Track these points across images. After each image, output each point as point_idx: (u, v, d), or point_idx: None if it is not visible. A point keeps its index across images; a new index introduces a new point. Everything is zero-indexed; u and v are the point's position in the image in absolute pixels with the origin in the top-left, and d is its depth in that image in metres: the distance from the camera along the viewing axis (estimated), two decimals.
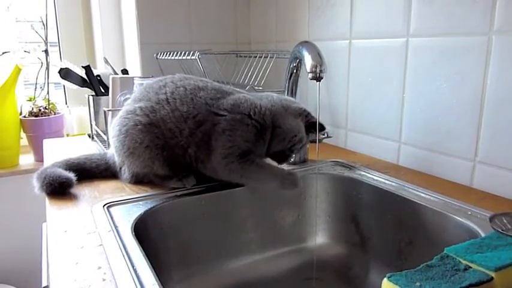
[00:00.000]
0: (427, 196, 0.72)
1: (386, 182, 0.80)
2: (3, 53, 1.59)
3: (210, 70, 1.16)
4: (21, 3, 1.73)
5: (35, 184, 0.76)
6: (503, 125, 0.71)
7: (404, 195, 0.73)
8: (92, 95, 1.30)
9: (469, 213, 0.65)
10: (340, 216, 0.86)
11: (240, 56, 1.34)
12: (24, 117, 1.62)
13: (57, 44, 1.80)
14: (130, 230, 0.61)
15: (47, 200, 0.73)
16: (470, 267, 0.45)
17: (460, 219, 0.64)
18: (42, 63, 1.67)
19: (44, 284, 0.81)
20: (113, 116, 0.93)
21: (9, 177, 1.58)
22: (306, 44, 0.79)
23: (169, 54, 1.21)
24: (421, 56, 0.83)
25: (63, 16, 1.77)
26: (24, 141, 1.66)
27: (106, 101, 1.23)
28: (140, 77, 1.02)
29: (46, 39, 1.65)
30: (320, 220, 0.88)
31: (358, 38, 0.98)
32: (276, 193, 0.84)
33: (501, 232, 0.53)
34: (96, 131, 1.20)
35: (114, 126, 0.80)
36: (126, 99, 0.90)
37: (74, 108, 1.76)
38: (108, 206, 0.69)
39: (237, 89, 0.81)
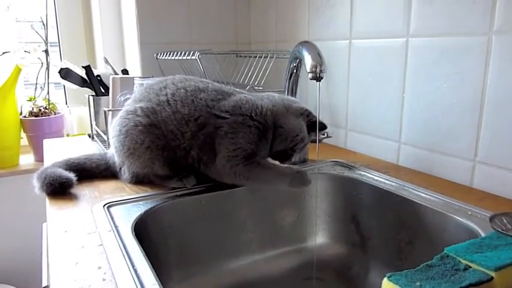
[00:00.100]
0: (427, 196, 0.72)
1: (386, 182, 0.80)
2: (3, 53, 1.59)
3: (210, 70, 1.16)
4: (21, 3, 1.73)
5: (35, 184, 0.76)
6: (503, 125, 0.71)
7: (404, 195, 0.73)
8: (92, 95, 1.30)
9: (469, 213, 0.65)
10: (340, 216, 0.86)
11: (240, 56, 1.34)
12: (25, 117, 1.62)
13: (57, 44, 1.80)
14: (130, 230, 0.61)
15: (47, 200, 0.73)
16: (470, 267, 0.45)
17: (460, 219, 0.64)
18: (42, 63, 1.67)
19: (44, 284, 0.81)
20: (113, 116, 0.93)
21: (9, 177, 1.58)
22: (306, 44, 0.79)
23: (169, 54, 1.21)
24: (421, 56, 0.83)
25: (63, 16, 1.77)
26: (24, 141, 1.66)
27: (106, 101, 1.23)
28: (140, 77, 1.02)
29: (46, 39, 1.65)
30: (320, 220, 0.88)
31: (358, 38, 0.98)
32: (276, 193, 0.84)
33: (501, 232, 0.53)
34: (96, 131, 1.20)
35: (114, 126, 0.80)
36: (126, 99, 0.90)
37: (74, 108, 1.76)
38: (108, 206, 0.69)
39: (238, 90, 0.81)
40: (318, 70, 0.73)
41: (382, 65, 0.92)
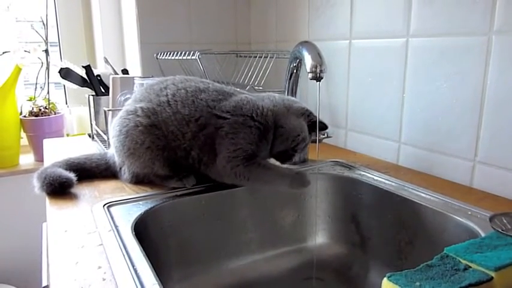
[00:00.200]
0: (427, 196, 0.72)
1: (386, 182, 0.80)
2: (3, 53, 1.59)
3: (210, 70, 1.16)
4: (21, 3, 1.73)
5: (35, 184, 0.76)
6: (503, 125, 0.71)
7: (404, 195, 0.73)
8: (92, 95, 1.30)
9: (469, 213, 0.65)
10: (340, 216, 0.86)
11: (240, 56, 1.34)
12: (25, 117, 1.62)
13: (58, 43, 1.80)
14: (130, 229, 0.61)
15: (47, 199, 0.73)
16: (470, 267, 0.45)
17: (460, 219, 0.64)
18: (42, 63, 1.67)
19: (44, 283, 0.81)
20: (113, 116, 0.93)
21: (9, 177, 1.58)
22: (306, 44, 0.79)
23: (169, 54, 1.21)
24: (421, 56, 0.83)
25: (63, 16, 1.77)
26: (24, 141, 1.66)
27: (106, 101, 1.23)
28: (140, 77, 1.02)
29: (46, 39, 1.65)
30: (320, 220, 0.88)
31: (358, 38, 0.98)
32: (276, 193, 0.84)
33: (501, 232, 0.53)
34: (97, 130, 1.20)
35: (114, 126, 0.80)
36: (126, 99, 0.90)
37: (74, 108, 1.76)
38: (108, 205, 0.69)
39: (239, 90, 0.81)
40: (318, 70, 0.73)
41: (382, 65, 0.92)
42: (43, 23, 1.64)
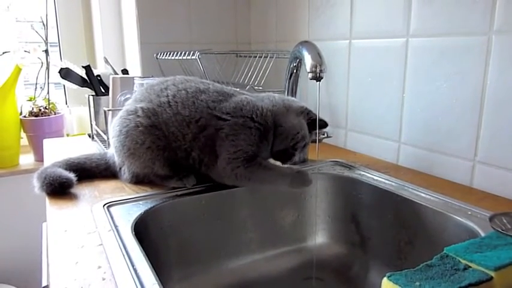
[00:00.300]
0: (427, 196, 0.72)
1: (386, 181, 0.80)
2: (3, 53, 1.59)
3: (210, 70, 1.17)
4: (21, 3, 1.73)
5: (35, 184, 0.76)
6: (503, 125, 0.71)
7: (404, 195, 0.73)
8: (92, 95, 1.30)
9: (469, 213, 0.65)
10: (340, 216, 0.86)
11: (240, 56, 1.34)
12: (25, 117, 1.62)
13: (58, 43, 1.80)
14: (130, 229, 0.61)
15: (47, 199, 0.73)
16: (470, 266, 0.45)
17: (460, 219, 0.64)
18: (42, 63, 1.67)
19: (44, 283, 0.81)
20: (113, 116, 0.93)
21: (9, 177, 1.58)
22: (306, 43, 0.79)
23: (169, 54, 1.21)
24: (421, 56, 0.83)
25: (63, 16, 1.77)
26: (24, 141, 1.66)
27: (106, 101, 1.23)
28: (140, 77, 1.02)
29: (46, 39, 1.65)
30: (320, 220, 0.88)
31: (358, 38, 0.98)
32: (276, 193, 0.84)
33: (501, 232, 0.53)
34: (96, 130, 1.20)
35: (114, 126, 0.80)
36: (126, 99, 0.90)
37: (74, 108, 1.76)
38: (108, 205, 0.69)
39: (239, 90, 0.81)
40: (317, 70, 0.73)
41: (382, 65, 0.92)
42: (43, 23, 1.64)
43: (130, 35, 1.42)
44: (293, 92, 0.92)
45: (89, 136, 1.26)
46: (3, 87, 1.54)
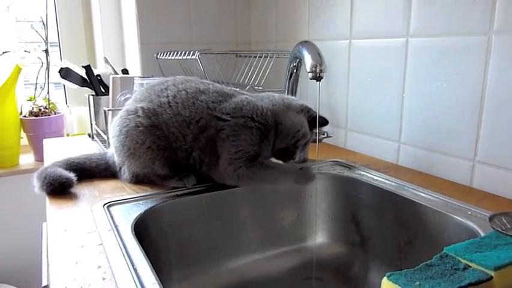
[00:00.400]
0: (427, 196, 0.72)
1: (386, 181, 0.80)
2: (3, 53, 1.59)
3: (210, 70, 1.17)
4: (21, 3, 1.73)
5: (35, 184, 0.76)
6: (502, 125, 0.71)
7: (404, 195, 0.73)
8: (92, 95, 1.30)
9: (469, 213, 0.65)
10: (340, 216, 0.86)
11: (240, 56, 1.34)
12: (25, 117, 1.62)
13: (58, 43, 1.80)
14: (130, 229, 0.61)
15: (47, 199, 0.73)
16: (470, 266, 0.45)
17: (460, 218, 0.64)
18: (42, 63, 1.67)
19: (44, 283, 0.81)
20: (113, 116, 0.93)
21: (9, 177, 1.58)
22: (306, 43, 0.79)
23: (169, 54, 1.21)
24: (421, 56, 0.83)
25: (63, 16, 1.77)
26: (24, 140, 1.66)
27: (106, 101, 1.23)
28: (140, 77, 1.02)
29: (46, 39, 1.65)
30: (320, 220, 0.88)
31: (358, 38, 0.98)
32: (275, 193, 0.84)
33: (501, 232, 0.53)
34: (96, 130, 1.20)
35: (114, 126, 0.80)
36: (126, 99, 0.90)
37: (74, 108, 1.76)
38: (108, 205, 0.69)
39: (239, 91, 0.81)
40: (317, 70, 0.73)
41: (382, 65, 0.92)
42: (43, 23, 1.64)
43: (130, 35, 1.42)
44: (293, 92, 0.92)
45: (89, 136, 1.26)
46: (3, 87, 1.54)
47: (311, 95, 1.13)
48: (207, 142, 0.75)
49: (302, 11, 1.16)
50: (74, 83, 1.40)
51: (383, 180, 0.81)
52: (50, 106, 1.68)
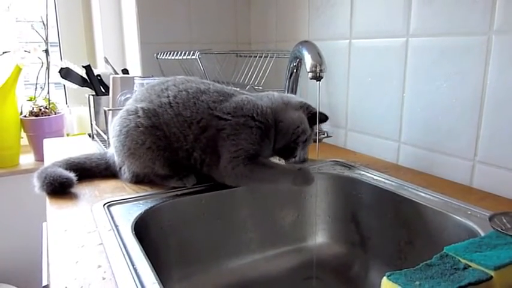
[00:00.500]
0: (427, 196, 0.72)
1: (386, 181, 0.80)
2: (3, 53, 1.59)
3: (210, 70, 1.17)
4: (21, 3, 1.73)
5: (36, 183, 0.76)
6: (502, 125, 0.71)
7: (404, 195, 0.73)
8: (93, 95, 1.30)
9: (469, 212, 0.65)
10: (340, 215, 0.86)
11: (240, 56, 1.34)
12: (25, 116, 1.62)
13: (58, 43, 1.80)
14: (130, 229, 0.61)
15: (47, 199, 0.73)
16: (470, 266, 0.45)
17: (460, 218, 0.64)
18: (42, 63, 1.67)
19: (44, 283, 0.81)
20: (113, 116, 0.93)
21: (9, 177, 1.58)
22: (306, 43, 0.79)
23: (170, 54, 1.21)
24: (421, 56, 0.83)
25: (63, 16, 1.77)
26: (24, 140, 1.66)
27: (106, 101, 1.23)
28: (140, 77, 1.02)
29: (46, 39, 1.65)
30: (320, 220, 0.88)
31: (358, 38, 0.98)
32: (275, 193, 0.84)
33: (500, 231, 0.53)
34: (97, 130, 1.20)
35: (114, 126, 0.80)
36: (126, 99, 0.90)
37: (74, 107, 1.76)
38: (109, 205, 0.69)
39: (239, 90, 0.81)
40: (317, 70, 0.73)
41: (382, 65, 0.93)
42: (43, 23, 1.64)
43: (130, 35, 1.42)
44: (293, 91, 0.92)
45: (89, 136, 1.26)
46: (3, 87, 1.54)
47: (311, 95, 1.13)
48: (208, 142, 0.75)
49: (302, 10, 1.16)
50: (74, 83, 1.40)
51: (383, 180, 0.81)
52: (50, 106, 1.68)
